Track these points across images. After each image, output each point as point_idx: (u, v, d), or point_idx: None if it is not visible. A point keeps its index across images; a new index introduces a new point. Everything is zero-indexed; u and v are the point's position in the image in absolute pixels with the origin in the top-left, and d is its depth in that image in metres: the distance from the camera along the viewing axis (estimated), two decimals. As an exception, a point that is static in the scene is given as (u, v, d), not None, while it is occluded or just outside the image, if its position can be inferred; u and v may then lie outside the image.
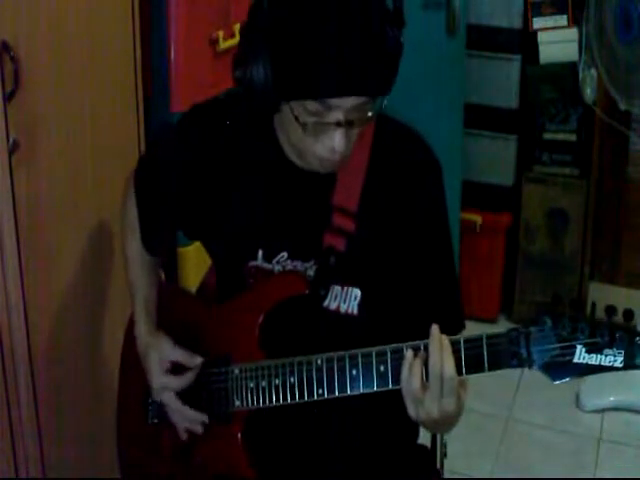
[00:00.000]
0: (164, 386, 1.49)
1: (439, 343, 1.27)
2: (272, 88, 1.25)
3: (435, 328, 1.29)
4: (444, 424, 1.35)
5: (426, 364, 1.27)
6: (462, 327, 1.49)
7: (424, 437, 1.66)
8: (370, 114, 1.29)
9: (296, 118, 1.26)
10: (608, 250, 3.57)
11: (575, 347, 1.22)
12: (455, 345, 1.27)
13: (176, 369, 1.50)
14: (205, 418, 1.48)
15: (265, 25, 1.24)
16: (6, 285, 1.71)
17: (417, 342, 1.30)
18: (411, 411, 1.31)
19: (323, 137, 1.29)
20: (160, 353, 1.50)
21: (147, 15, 2.10)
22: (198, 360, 1.48)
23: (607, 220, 3.52)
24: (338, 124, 1.26)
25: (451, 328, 1.45)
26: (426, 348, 1.28)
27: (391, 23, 1.25)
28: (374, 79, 1.25)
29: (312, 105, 1.24)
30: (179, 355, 1.49)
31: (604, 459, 2.75)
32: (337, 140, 1.28)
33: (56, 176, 1.85)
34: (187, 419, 1.50)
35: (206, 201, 1.48)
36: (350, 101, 1.24)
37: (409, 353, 1.29)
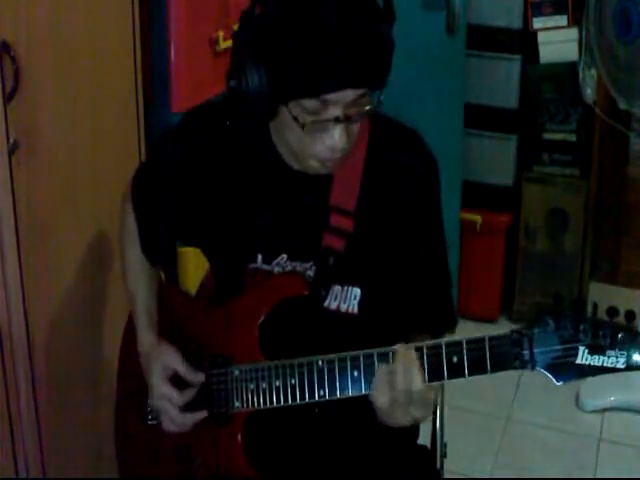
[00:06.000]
0: (167, 397, 1.47)
1: (404, 358, 1.27)
2: (269, 92, 1.25)
3: (400, 345, 1.29)
4: (413, 422, 1.34)
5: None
6: (454, 324, 1.50)
7: (424, 437, 1.66)
8: (368, 108, 1.29)
9: (295, 119, 1.26)
10: (608, 250, 3.58)
11: (578, 348, 1.22)
12: (456, 347, 1.27)
13: (177, 378, 1.49)
14: (203, 414, 1.46)
15: (256, 30, 1.24)
16: (6, 285, 1.71)
17: (386, 349, 1.30)
18: (380, 419, 1.32)
19: (323, 135, 1.29)
20: (165, 362, 1.48)
21: (147, 15, 2.10)
22: (201, 377, 1.47)
23: (607, 220, 3.52)
24: (337, 120, 1.26)
25: (443, 325, 1.45)
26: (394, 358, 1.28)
27: (382, 17, 1.26)
28: (368, 71, 1.25)
29: (310, 103, 1.25)
30: (183, 369, 1.47)
31: (604, 459, 2.75)
32: (337, 137, 1.28)
33: (56, 176, 1.84)
34: (183, 426, 1.48)
35: (203, 206, 1.48)
36: (347, 95, 1.24)
37: (380, 369, 1.29)
